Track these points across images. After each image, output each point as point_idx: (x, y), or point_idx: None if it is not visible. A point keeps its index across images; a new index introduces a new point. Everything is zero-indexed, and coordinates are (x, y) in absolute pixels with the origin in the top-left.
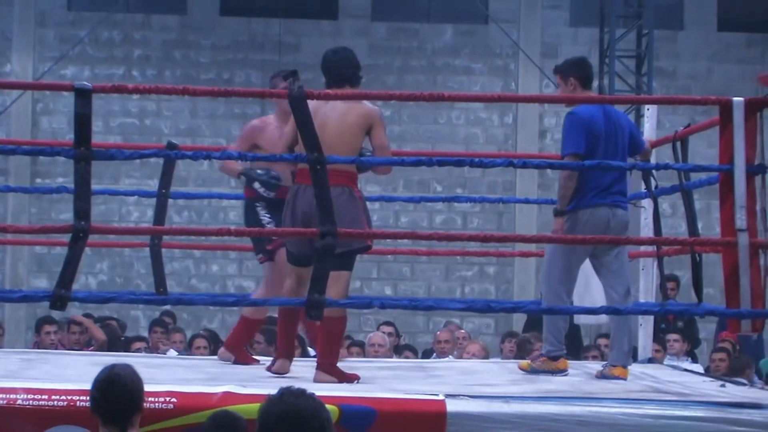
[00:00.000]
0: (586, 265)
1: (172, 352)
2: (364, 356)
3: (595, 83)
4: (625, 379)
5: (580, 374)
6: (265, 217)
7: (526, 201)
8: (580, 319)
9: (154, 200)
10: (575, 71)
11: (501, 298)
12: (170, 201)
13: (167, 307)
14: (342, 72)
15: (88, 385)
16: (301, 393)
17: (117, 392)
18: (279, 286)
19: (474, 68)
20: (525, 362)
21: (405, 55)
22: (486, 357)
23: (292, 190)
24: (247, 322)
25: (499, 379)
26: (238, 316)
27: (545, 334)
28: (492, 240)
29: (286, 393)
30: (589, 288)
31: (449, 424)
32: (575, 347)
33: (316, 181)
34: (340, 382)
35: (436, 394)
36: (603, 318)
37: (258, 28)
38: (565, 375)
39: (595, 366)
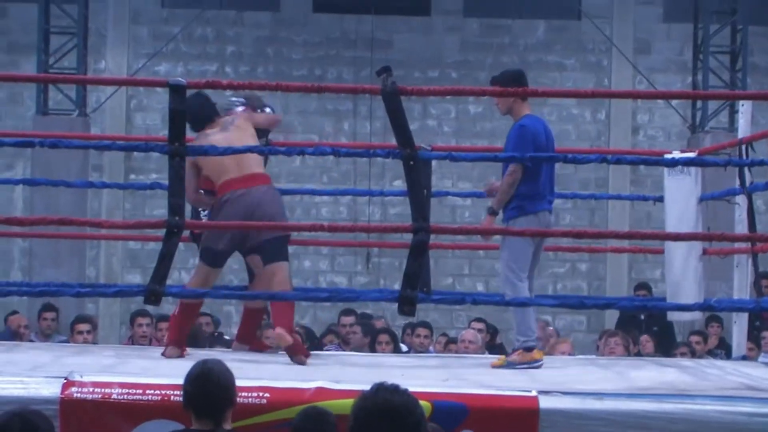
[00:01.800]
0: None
1: None
2: (455, 352)
3: (689, 79)
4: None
5: (672, 371)
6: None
7: (619, 197)
8: (674, 316)
9: None
10: (516, 84)
11: (593, 295)
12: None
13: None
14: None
15: (181, 380)
16: (396, 389)
17: (210, 387)
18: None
19: (566, 64)
20: (500, 359)
21: (497, 52)
22: (573, 354)
23: (233, 194)
24: (251, 312)
25: (592, 376)
26: (330, 312)
27: (517, 327)
28: (585, 236)
29: (380, 389)
30: (682, 286)
31: (542, 421)
32: (667, 344)
33: (409, 177)
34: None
35: (529, 391)
36: (696, 315)
37: (350, 25)
38: (541, 365)
39: (687, 363)
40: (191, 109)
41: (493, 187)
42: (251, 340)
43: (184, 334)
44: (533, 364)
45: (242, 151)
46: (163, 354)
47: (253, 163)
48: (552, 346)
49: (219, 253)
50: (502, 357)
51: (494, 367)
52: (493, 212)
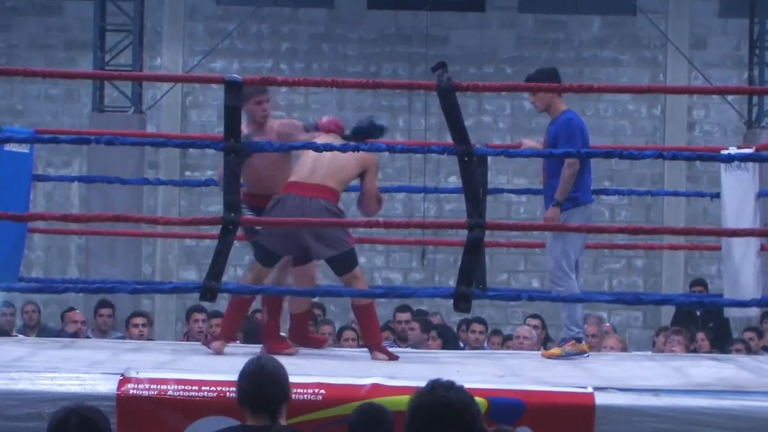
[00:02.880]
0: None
1: None
2: (509, 348)
3: (745, 74)
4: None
5: (730, 368)
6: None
7: (675, 193)
8: (731, 312)
9: None
10: (553, 81)
11: (649, 291)
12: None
13: (315, 299)
14: None
15: (237, 376)
16: (452, 385)
17: (266, 383)
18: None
19: (621, 60)
20: (555, 350)
21: (552, 47)
22: (624, 350)
23: (278, 198)
24: (298, 316)
25: (648, 372)
26: (386, 309)
27: (568, 318)
28: (641, 232)
29: (436, 385)
30: (739, 282)
31: (598, 417)
32: (722, 340)
33: (464, 173)
34: (390, 359)
35: (585, 387)
36: (754, 311)
37: (405, 21)
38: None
39: (744, 359)
40: None
41: (548, 217)
42: (305, 340)
43: (233, 330)
44: (583, 355)
45: (298, 147)
46: (207, 345)
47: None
48: (598, 341)
49: (270, 253)
50: (556, 348)
51: (546, 357)
52: (558, 204)
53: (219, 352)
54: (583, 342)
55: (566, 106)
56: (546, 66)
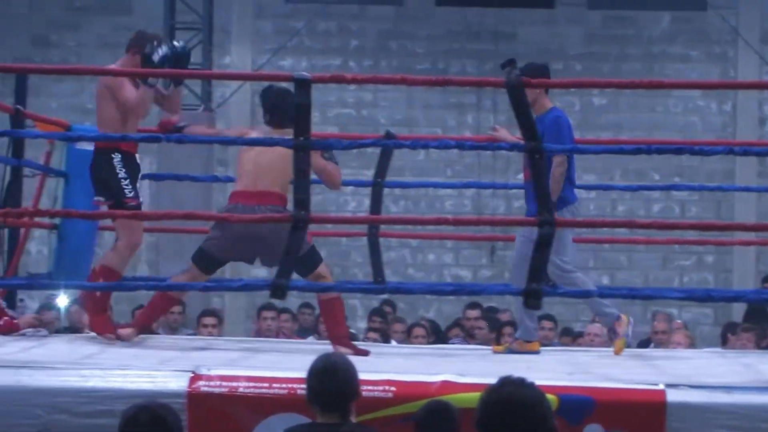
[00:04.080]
0: None
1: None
2: (578, 345)
3: None
4: (537, 352)
5: None
6: (121, 171)
7: (746, 189)
8: None
9: (370, 190)
10: (542, 77)
11: (720, 288)
12: (387, 190)
13: (384, 296)
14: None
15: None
16: (522, 382)
17: (335, 381)
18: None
19: (691, 55)
20: (501, 346)
21: (621, 43)
22: (691, 346)
23: (227, 208)
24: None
25: (719, 369)
26: (454, 306)
27: (597, 311)
28: (712, 228)
29: (507, 382)
30: None
31: (669, 415)
32: None
33: (533, 170)
34: (356, 354)
35: (656, 384)
36: None
37: (473, 18)
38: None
39: None
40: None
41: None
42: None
43: (150, 321)
44: (531, 353)
45: (368, 145)
46: (117, 336)
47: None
48: (668, 337)
49: (216, 261)
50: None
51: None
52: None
53: (128, 340)
54: (534, 342)
55: (551, 103)
56: (534, 62)
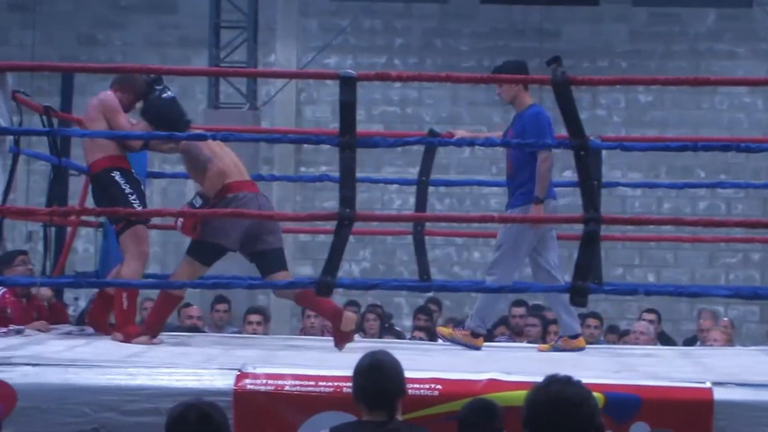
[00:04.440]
0: None
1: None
2: (624, 343)
3: None
4: (582, 349)
5: None
6: (126, 187)
7: None
8: None
9: (415, 188)
10: (520, 73)
11: (767, 285)
12: (432, 188)
13: (430, 294)
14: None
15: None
16: (569, 380)
17: (382, 379)
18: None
19: (737, 52)
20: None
21: (666, 40)
22: (728, 343)
23: (237, 198)
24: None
25: (766, 367)
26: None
27: (476, 311)
28: (759, 226)
29: (553, 380)
30: None
31: (716, 413)
32: None
33: (579, 167)
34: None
35: (703, 382)
36: None
37: (518, 15)
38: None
39: None
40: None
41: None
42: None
43: (160, 326)
44: (473, 348)
45: (413, 143)
46: (124, 341)
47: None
48: (705, 335)
49: (220, 250)
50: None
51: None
52: (539, 201)
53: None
54: (480, 338)
55: (531, 100)
56: (510, 59)
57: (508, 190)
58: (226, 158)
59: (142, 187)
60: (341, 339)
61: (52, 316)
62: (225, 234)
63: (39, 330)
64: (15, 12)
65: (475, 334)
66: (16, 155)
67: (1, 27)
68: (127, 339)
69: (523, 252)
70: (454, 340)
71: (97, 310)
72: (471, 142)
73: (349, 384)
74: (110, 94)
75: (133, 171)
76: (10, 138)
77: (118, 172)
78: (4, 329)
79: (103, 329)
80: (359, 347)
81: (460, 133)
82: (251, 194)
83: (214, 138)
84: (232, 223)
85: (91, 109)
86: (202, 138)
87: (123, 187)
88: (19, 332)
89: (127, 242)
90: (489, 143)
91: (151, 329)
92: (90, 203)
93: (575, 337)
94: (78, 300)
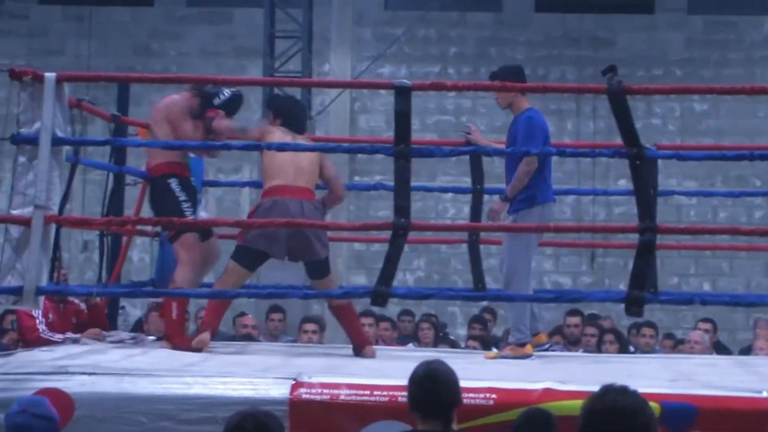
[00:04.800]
0: None
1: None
2: (680, 353)
3: None
4: (529, 356)
5: None
6: (182, 194)
7: None
8: None
9: (470, 196)
10: (515, 79)
11: None
12: (486, 197)
13: (484, 303)
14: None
15: (407, 381)
16: (625, 390)
17: (438, 388)
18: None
19: None
20: (492, 353)
21: (722, 48)
22: None
23: (279, 203)
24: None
25: None
26: (555, 312)
27: (512, 323)
28: None
29: (609, 390)
30: None
31: None
32: None
33: (635, 176)
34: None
35: (760, 392)
36: None
37: (573, 24)
38: (532, 359)
39: None
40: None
41: (494, 209)
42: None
43: (217, 326)
44: (526, 358)
45: (467, 152)
46: (181, 348)
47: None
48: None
49: (262, 256)
50: (496, 351)
51: (488, 359)
52: (506, 198)
53: (204, 346)
54: (528, 346)
55: (528, 104)
56: (508, 64)
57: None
58: (280, 157)
59: (199, 195)
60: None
61: (91, 320)
62: (267, 241)
63: (94, 338)
64: (71, 23)
65: (521, 344)
66: (74, 165)
67: (58, 37)
68: (175, 347)
69: (532, 255)
70: (507, 358)
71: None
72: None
73: (404, 393)
74: (177, 98)
75: (191, 178)
76: (67, 148)
77: (175, 180)
78: (60, 336)
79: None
80: (413, 357)
81: (476, 133)
82: (294, 200)
83: (269, 148)
84: (274, 230)
85: (157, 112)
86: (258, 148)
87: (178, 194)
88: (75, 341)
89: (178, 250)
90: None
91: (210, 328)
92: (146, 212)
93: (524, 344)
94: (125, 308)
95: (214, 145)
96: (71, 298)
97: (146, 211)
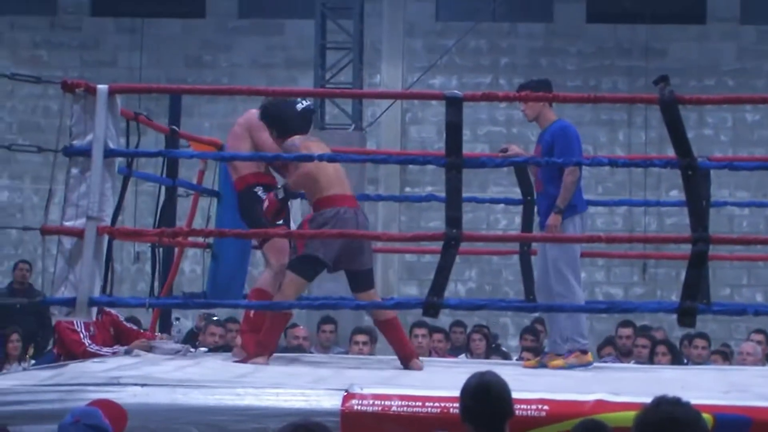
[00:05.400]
0: None
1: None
2: (731, 363)
3: None
4: (591, 364)
5: None
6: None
7: None
8: None
9: (521, 207)
10: (546, 90)
11: None
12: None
13: (536, 314)
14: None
15: (459, 392)
16: (678, 401)
17: (490, 400)
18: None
19: None
20: (558, 361)
21: None
22: None
23: (339, 213)
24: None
25: None
26: (606, 323)
27: (571, 332)
28: None
29: (662, 401)
30: None
31: None
32: None
33: (687, 186)
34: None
35: None
36: None
37: (624, 34)
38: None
39: None
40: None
41: (511, 151)
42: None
43: (275, 344)
44: (587, 366)
45: (519, 162)
46: (242, 360)
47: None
48: None
49: (317, 265)
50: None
51: (552, 368)
52: (559, 211)
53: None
54: (589, 353)
55: (556, 116)
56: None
57: (538, 205)
58: (329, 168)
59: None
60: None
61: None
62: (325, 249)
63: (142, 349)
64: (123, 35)
65: (584, 352)
66: (127, 177)
67: (110, 49)
68: (248, 348)
69: (578, 262)
70: (573, 367)
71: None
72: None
73: (457, 405)
74: (255, 112)
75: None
76: (120, 159)
77: (262, 188)
78: (108, 349)
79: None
80: (466, 368)
81: (514, 148)
82: (351, 210)
83: (321, 159)
84: (335, 240)
85: (238, 126)
86: (309, 159)
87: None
88: (128, 353)
89: (267, 254)
90: (595, 162)
91: (266, 348)
92: (197, 223)
93: (585, 352)
94: (179, 320)
95: (265, 156)
96: (107, 309)
97: (197, 222)
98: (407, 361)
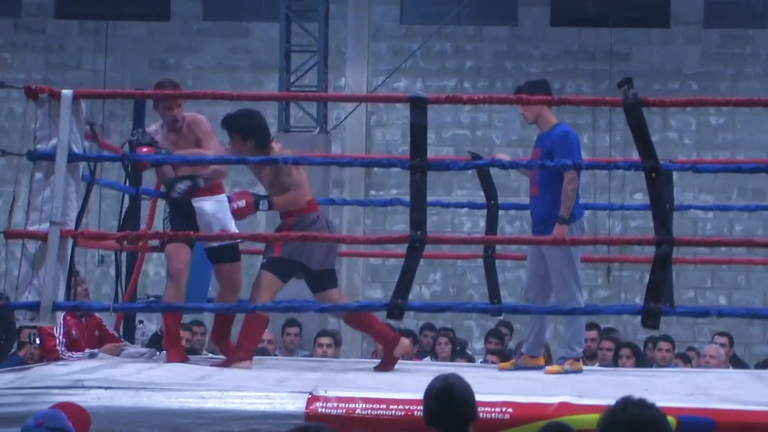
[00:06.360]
0: None
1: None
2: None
3: None
4: (541, 367)
5: None
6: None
7: None
8: None
9: (485, 211)
10: (542, 93)
11: None
12: (502, 211)
13: (501, 317)
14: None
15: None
16: (643, 403)
17: (454, 402)
18: None
19: None
20: (555, 367)
21: (738, 62)
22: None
23: (319, 219)
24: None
25: None
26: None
27: (570, 340)
28: None
29: (628, 403)
30: None
31: None
32: None
33: (651, 189)
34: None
35: None
36: None
37: (588, 38)
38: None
39: None
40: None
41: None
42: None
43: (256, 348)
44: (579, 372)
45: (483, 165)
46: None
47: None
48: None
49: (297, 269)
50: (556, 366)
51: (548, 373)
52: (564, 221)
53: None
54: (580, 361)
55: (556, 119)
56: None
57: (532, 210)
58: (303, 173)
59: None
60: (389, 364)
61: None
62: (309, 253)
63: (111, 353)
64: (88, 37)
65: (576, 360)
66: (90, 183)
67: (75, 52)
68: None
69: (578, 266)
70: (568, 373)
71: (217, 331)
72: (541, 165)
73: (421, 407)
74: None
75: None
76: (84, 164)
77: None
78: (78, 354)
79: (225, 351)
80: (430, 371)
81: (500, 156)
82: (323, 215)
83: (286, 162)
84: (316, 244)
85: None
86: (275, 162)
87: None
88: (92, 356)
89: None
90: (559, 165)
91: (248, 353)
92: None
93: (579, 360)
94: (143, 323)
95: (230, 159)
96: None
97: (158, 226)
98: (392, 347)
